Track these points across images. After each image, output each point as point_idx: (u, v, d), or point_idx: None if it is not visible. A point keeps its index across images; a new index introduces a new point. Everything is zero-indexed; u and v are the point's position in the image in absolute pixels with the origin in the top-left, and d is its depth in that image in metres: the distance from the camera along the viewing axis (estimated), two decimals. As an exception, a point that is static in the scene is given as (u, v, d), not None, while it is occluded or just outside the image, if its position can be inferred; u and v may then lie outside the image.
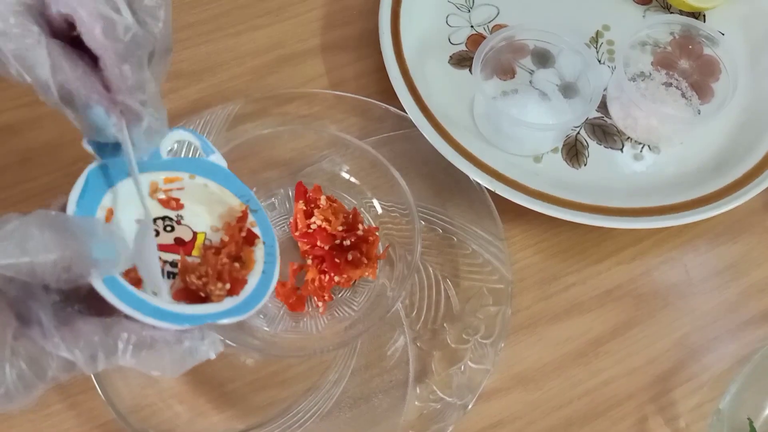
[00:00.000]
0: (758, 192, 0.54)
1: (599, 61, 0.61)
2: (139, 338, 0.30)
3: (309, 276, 0.52)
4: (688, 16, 0.63)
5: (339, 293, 0.52)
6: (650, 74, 0.60)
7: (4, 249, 0.27)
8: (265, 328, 0.50)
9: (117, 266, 0.31)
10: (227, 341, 0.46)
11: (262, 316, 0.51)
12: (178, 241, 0.38)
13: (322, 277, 0.51)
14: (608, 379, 0.51)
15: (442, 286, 0.53)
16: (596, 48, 0.62)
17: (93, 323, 0.29)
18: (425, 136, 0.54)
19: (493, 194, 0.53)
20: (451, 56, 0.62)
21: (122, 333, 0.30)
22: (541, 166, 0.57)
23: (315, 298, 0.52)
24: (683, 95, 0.60)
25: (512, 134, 0.55)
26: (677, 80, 0.60)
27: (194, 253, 0.38)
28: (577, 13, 0.63)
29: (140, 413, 0.48)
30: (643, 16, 0.64)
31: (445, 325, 0.51)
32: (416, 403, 0.48)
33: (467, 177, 0.54)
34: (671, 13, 0.64)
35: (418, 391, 0.49)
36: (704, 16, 0.64)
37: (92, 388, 0.47)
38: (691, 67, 0.61)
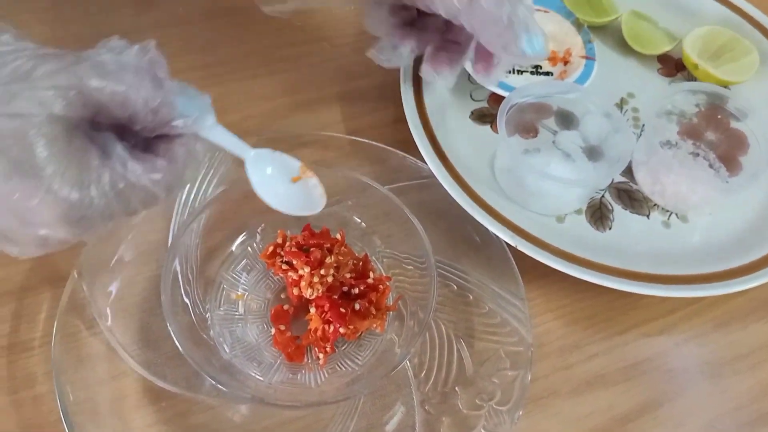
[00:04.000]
0: (795, 267, 0.51)
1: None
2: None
3: (312, 325, 0.47)
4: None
5: (342, 345, 0.48)
6: (677, 143, 0.58)
7: (103, 73, 0.32)
8: (259, 378, 0.45)
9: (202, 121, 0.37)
10: (217, 385, 0.41)
11: (256, 363, 0.46)
12: None
13: (326, 327, 0.47)
14: (635, 461, 0.46)
15: (455, 346, 0.48)
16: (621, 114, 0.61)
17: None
18: (444, 185, 0.52)
19: (513, 251, 0.50)
20: (472, 112, 0.60)
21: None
22: (564, 226, 0.54)
23: (316, 348, 0.47)
24: (711, 166, 0.57)
25: (536, 191, 0.53)
26: (704, 151, 0.58)
27: None
28: (602, 81, 0.62)
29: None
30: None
31: (456, 388, 0.46)
32: (422, 473, 0.43)
33: (486, 231, 0.51)
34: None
35: (424, 459, 0.44)
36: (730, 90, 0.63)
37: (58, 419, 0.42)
38: (718, 139, 0.59)
